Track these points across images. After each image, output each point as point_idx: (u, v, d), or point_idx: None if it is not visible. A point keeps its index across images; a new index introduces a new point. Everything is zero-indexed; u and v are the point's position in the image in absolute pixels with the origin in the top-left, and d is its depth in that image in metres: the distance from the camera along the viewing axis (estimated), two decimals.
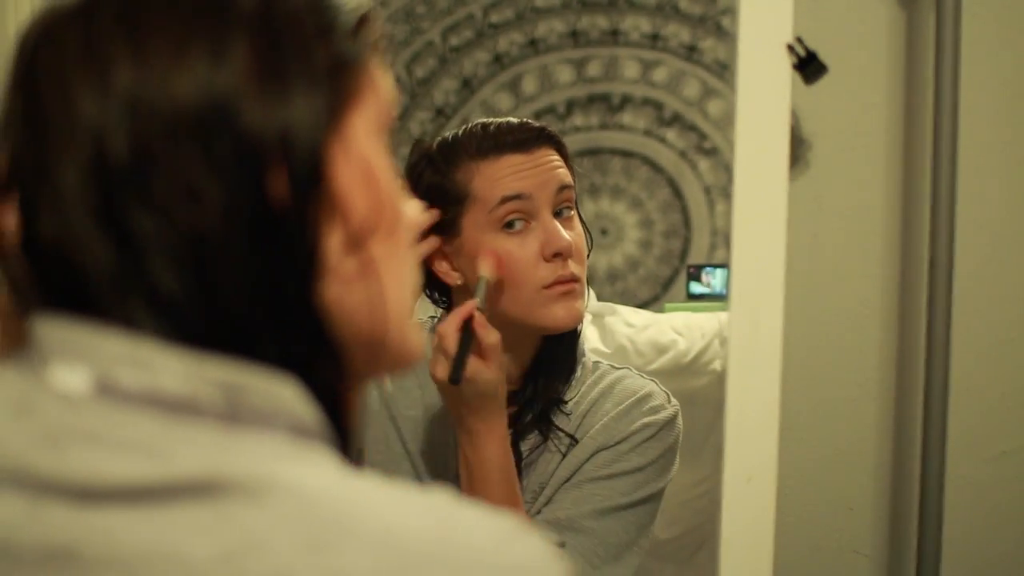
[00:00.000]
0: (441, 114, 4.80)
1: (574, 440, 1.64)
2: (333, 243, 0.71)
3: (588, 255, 1.71)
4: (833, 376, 1.94)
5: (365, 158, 0.73)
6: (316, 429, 0.69)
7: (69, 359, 0.66)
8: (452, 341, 1.47)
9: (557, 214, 1.61)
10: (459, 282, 1.63)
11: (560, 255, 1.58)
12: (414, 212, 0.79)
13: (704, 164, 4.66)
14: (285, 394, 0.67)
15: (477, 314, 1.51)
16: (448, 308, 1.70)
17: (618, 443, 1.63)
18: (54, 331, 0.67)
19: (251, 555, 0.60)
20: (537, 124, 1.65)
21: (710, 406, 3.19)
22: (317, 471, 0.65)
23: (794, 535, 1.95)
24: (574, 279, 1.60)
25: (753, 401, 1.75)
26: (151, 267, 0.65)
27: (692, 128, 4.65)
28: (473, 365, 1.49)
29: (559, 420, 1.65)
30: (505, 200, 1.58)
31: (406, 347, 0.78)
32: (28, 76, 0.69)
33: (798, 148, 1.89)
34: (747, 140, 1.74)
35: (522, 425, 1.65)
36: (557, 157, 1.64)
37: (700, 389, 3.27)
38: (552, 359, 1.68)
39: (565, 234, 1.59)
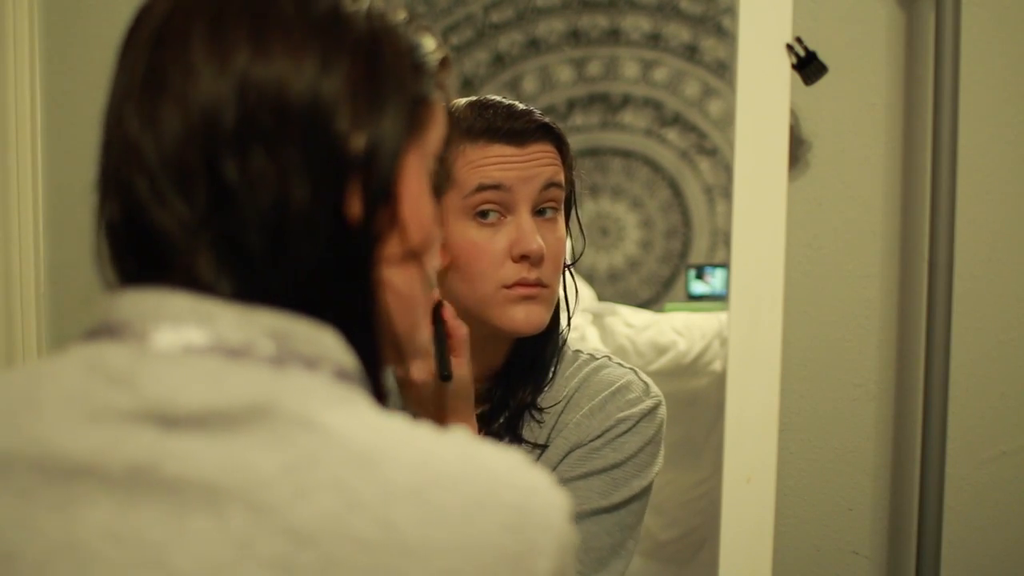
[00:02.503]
0: None
1: (543, 448, 1.57)
2: (391, 249, 0.83)
3: (577, 259, 1.66)
4: (833, 376, 1.94)
5: (422, 179, 0.85)
6: (355, 374, 0.80)
7: (146, 322, 0.76)
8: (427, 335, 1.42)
9: (540, 212, 1.54)
10: None
11: (527, 258, 1.50)
12: (439, 235, 0.91)
13: (704, 164, 4.66)
14: (328, 342, 0.78)
15: (447, 305, 1.44)
16: None
17: (592, 440, 1.54)
18: (132, 299, 0.78)
19: (310, 467, 0.71)
20: (539, 118, 1.57)
21: (710, 407, 3.19)
22: (358, 407, 0.77)
23: (794, 536, 1.95)
24: (539, 284, 1.50)
25: (753, 402, 1.75)
26: (235, 225, 0.76)
27: (692, 128, 4.64)
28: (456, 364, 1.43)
29: (531, 425, 1.59)
30: (481, 188, 1.50)
31: (420, 346, 0.92)
32: (154, 40, 0.79)
33: (798, 148, 1.88)
34: (747, 140, 1.74)
35: (492, 430, 1.59)
36: (553, 153, 1.56)
37: (700, 390, 3.26)
38: (524, 362, 1.61)
39: (537, 237, 1.51)
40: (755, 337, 1.74)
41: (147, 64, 0.78)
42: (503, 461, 0.76)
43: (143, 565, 0.70)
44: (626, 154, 4.71)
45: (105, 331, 0.77)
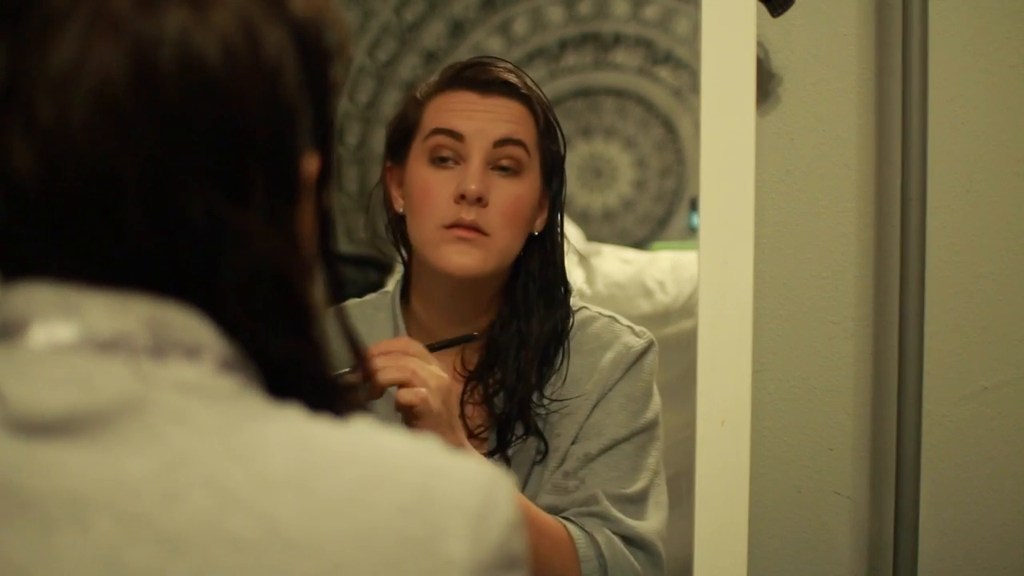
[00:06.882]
0: (432, 58, 4.75)
1: (544, 447, 1.60)
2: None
3: (544, 222, 1.65)
4: (809, 314, 1.91)
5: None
6: (241, 365, 0.73)
7: (20, 320, 0.70)
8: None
9: (500, 168, 1.56)
10: (401, 210, 1.61)
11: (464, 198, 1.52)
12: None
13: (698, 101, 4.60)
14: (207, 330, 0.72)
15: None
16: (408, 265, 1.67)
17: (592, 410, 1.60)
18: (13, 296, 0.71)
19: (181, 467, 0.66)
20: (505, 74, 1.59)
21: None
22: (242, 397, 0.71)
23: (774, 477, 1.92)
24: (476, 228, 1.52)
25: (725, 342, 1.72)
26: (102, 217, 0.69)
27: (685, 66, 4.59)
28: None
29: (542, 414, 1.61)
30: (436, 131, 1.54)
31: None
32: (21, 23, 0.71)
33: (768, 82, 1.84)
34: (713, 72, 1.71)
35: (504, 417, 1.60)
36: (517, 111, 1.57)
37: (687, 331, 3.23)
38: (516, 323, 1.62)
39: (478, 181, 1.52)
40: (726, 275, 1.71)
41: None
42: (405, 443, 0.71)
43: None
44: (619, 93, 4.66)
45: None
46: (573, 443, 1.59)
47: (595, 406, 1.59)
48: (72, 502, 0.65)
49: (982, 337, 1.89)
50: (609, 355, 1.61)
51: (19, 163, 0.68)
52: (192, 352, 0.71)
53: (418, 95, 1.62)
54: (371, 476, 0.68)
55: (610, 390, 1.60)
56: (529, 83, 1.60)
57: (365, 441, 0.70)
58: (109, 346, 0.69)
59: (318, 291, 0.80)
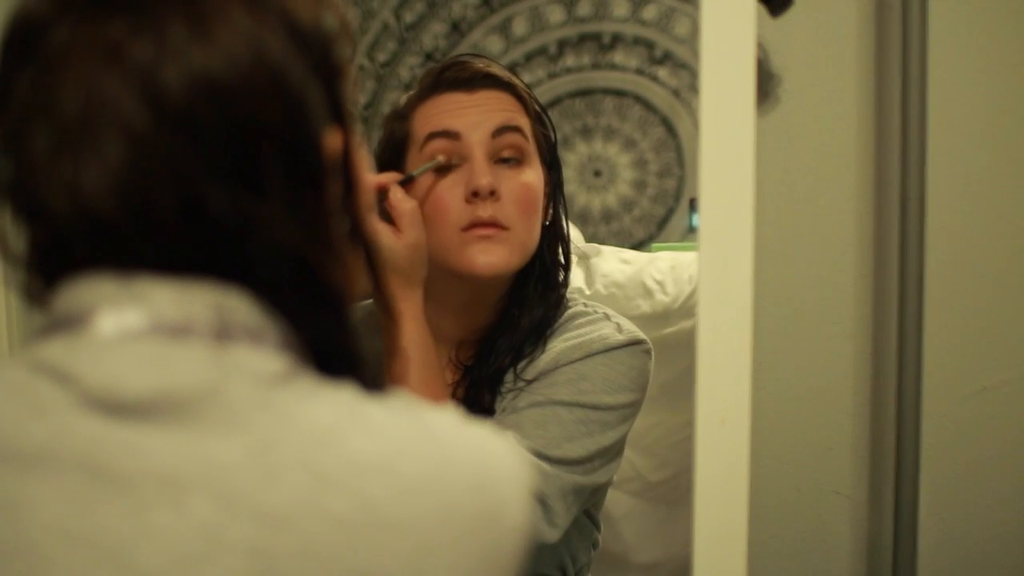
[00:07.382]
0: (431, 59, 4.74)
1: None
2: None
3: (551, 212, 1.64)
4: (808, 315, 1.90)
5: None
6: (295, 345, 0.77)
7: (85, 310, 0.73)
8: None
9: (503, 161, 1.54)
10: None
11: (477, 195, 1.50)
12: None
13: (698, 101, 4.59)
14: (260, 313, 0.75)
15: (393, 183, 1.49)
16: None
17: (560, 367, 1.55)
18: (72, 290, 0.74)
19: (273, 449, 0.69)
20: (486, 67, 1.58)
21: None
22: (306, 380, 0.75)
23: (773, 477, 1.92)
24: (495, 223, 1.51)
25: (724, 342, 1.72)
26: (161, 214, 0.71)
27: (684, 66, 4.59)
28: (385, 233, 1.46)
29: (503, 392, 1.58)
30: (431, 136, 1.52)
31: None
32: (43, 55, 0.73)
33: (768, 83, 1.84)
34: (713, 73, 1.70)
35: (458, 394, 1.58)
36: (507, 100, 1.56)
37: (687, 331, 3.22)
38: (510, 322, 1.61)
39: (487, 175, 1.51)
40: (726, 275, 1.71)
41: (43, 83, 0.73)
42: (445, 417, 0.76)
43: (104, 566, 0.66)
44: (618, 93, 4.66)
45: (51, 327, 0.74)
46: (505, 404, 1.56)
47: (540, 376, 1.56)
48: (163, 481, 0.67)
49: (982, 337, 1.88)
50: (578, 341, 1.59)
51: (48, 195, 0.71)
52: (255, 336, 0.74)
53: (400, 110, 1.61)
54: (442, 457, 0.72)
55: (564, 365, 1.56)
56: (510, 74, 1.59)
57: (421, 422, 0.74)
58: (179, 331, 0.72)
59: (351, 269, 0.84)
